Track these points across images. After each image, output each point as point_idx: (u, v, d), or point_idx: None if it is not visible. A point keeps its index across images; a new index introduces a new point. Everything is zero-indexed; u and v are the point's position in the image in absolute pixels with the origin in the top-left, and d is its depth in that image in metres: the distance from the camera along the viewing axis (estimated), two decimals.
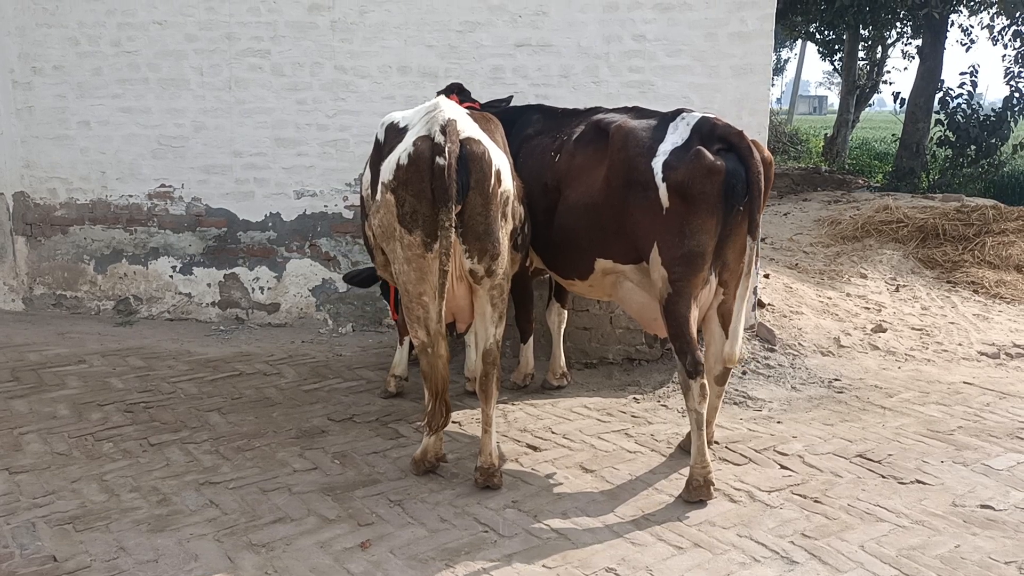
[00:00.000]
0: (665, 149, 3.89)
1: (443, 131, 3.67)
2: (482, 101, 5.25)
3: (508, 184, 3.92)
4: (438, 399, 3.90)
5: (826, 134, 22.61)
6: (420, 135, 3.74)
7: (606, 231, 4.15)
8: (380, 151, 4.12)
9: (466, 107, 4.98)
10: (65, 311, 7.03)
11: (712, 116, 3.97)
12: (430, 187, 3.64)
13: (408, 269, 3.82)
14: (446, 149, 3.61)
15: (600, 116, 4.46)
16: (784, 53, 41.14)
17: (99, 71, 6.69)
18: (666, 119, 4.06)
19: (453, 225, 3.62)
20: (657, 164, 3.87)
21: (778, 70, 47.09)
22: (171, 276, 6.90)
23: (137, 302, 6.97)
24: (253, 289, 6.82)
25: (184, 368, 5.72)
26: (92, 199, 6.91)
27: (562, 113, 4.91)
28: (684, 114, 4.02)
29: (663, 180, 3.82)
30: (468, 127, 3.82)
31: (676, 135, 3.93)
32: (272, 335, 6.54)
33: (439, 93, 5.25)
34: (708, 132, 3.87)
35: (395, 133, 4.02)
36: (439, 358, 3.83)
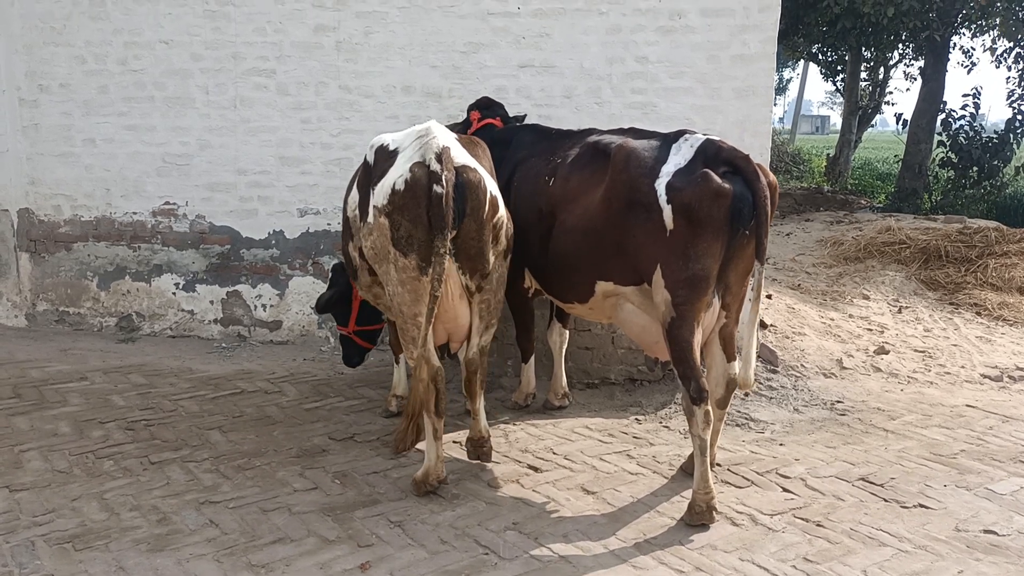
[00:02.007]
0: (668, 171, 3.86)
1: (438, 159, 3.72)
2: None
3: (502, 211, 4.09)
4: (411, 421, 4.05)
5: (828, 154, 22.70)
6: (415, 161, 3.79)
7: (606, 253, 4.12)
8: (370, 173, 4.13)
9: (487, 123, 5.07)
10: (68, 327, 7.04)
11: (716, 138, 3.95)
12: (426, 213, 3.71)
13: (403, 291, 3.88)
14: (443, 177, 3.68)
15: (596, 138, 4.43)
16: (786, 73, 41.33)
17: (105, 89, 6.74)
18: (668, 140, 4.03)
19: (447, 252, 3.73)
20: (660, 186, 3.84)
21: (780, 90, 47.35)
22: (174, 293, 6.91)
23: (140, 319, 6.98)
24: (255, 307, 6.83)
25: (186, 386, 5.72)
26: (96, 216, 6.93)
27: (556, 134, 4.89)
28: (687, 135, 3.99)
29: (668, 202, 3.80)
30: (460, 155, 3.90)
31: (679, 156, 3.90)
32: (274, 353, 6.54)
33: (470, 107, 5.36)
34: (713, 154, 3.85)
35: (385, 156, 4.05)
36: (419, 381, 3.94)
